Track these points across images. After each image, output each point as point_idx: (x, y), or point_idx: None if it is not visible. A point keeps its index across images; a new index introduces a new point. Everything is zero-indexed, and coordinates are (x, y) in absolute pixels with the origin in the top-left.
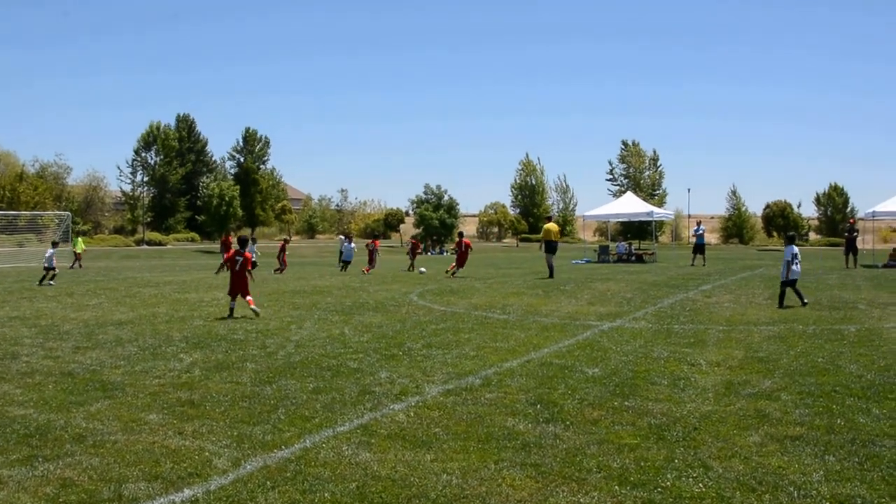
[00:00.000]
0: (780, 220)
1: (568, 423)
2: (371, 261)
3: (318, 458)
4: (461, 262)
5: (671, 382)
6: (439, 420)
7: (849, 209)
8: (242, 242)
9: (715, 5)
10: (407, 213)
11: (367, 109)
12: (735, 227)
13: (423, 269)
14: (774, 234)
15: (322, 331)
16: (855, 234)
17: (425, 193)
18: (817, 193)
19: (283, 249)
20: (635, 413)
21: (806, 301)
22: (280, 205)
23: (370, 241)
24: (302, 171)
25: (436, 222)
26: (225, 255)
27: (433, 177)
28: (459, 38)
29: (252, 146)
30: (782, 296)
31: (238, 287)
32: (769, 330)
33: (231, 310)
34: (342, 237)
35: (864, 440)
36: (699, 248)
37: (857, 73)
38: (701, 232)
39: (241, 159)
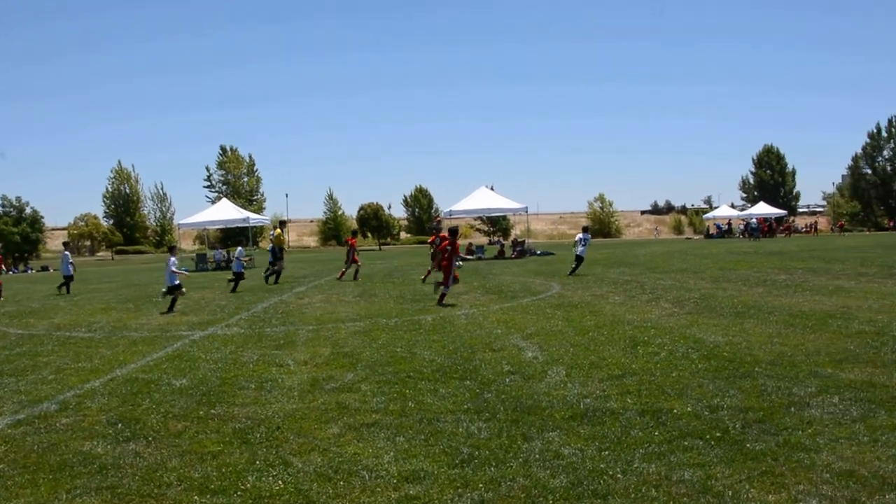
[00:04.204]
0: (375, 222)
1: (150, 438)
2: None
3: None
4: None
5: (258, 385)
6: (5, 455)
7: (434, 209)
8: None
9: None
10: None
11: None
12: (333, 229)
13: None
14: (369, 234)
15: None
16: (438, 229)
17: (3, 206)
18: (405, 195)
19: None
20: (221, 420)
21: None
22: None
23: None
24: None
25: (17, 237)
26: None
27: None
28: None
29: None
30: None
31: None
32: (356, 325)
33: None
34: None
35: (430, 419)
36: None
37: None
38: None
39: None
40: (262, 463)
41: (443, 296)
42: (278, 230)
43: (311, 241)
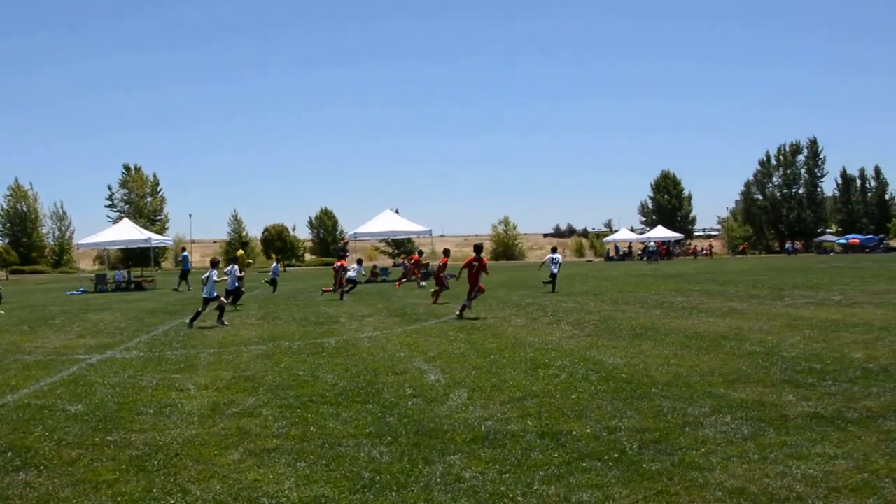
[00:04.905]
0: (279, 243)
1: (42, 467)
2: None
3: None
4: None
5: (157, 410)
6: None
7: (339, 231)
8: None
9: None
10: None
11: None
12: (237, 250)
13: None
14: (273, 255)
15: None
16: (344, 252)
17: None
18: (310, 217)
19: None
20: (117, 447)
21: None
22: None
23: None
24: None
25: None
26: None
27: None
28: None
29: None
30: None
31: None
32: (258, 349)
33: None
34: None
35: (332, 443)
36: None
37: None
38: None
39: None
40: (159, 491)
41: (463, 307)
42: (241, 251)
43: None
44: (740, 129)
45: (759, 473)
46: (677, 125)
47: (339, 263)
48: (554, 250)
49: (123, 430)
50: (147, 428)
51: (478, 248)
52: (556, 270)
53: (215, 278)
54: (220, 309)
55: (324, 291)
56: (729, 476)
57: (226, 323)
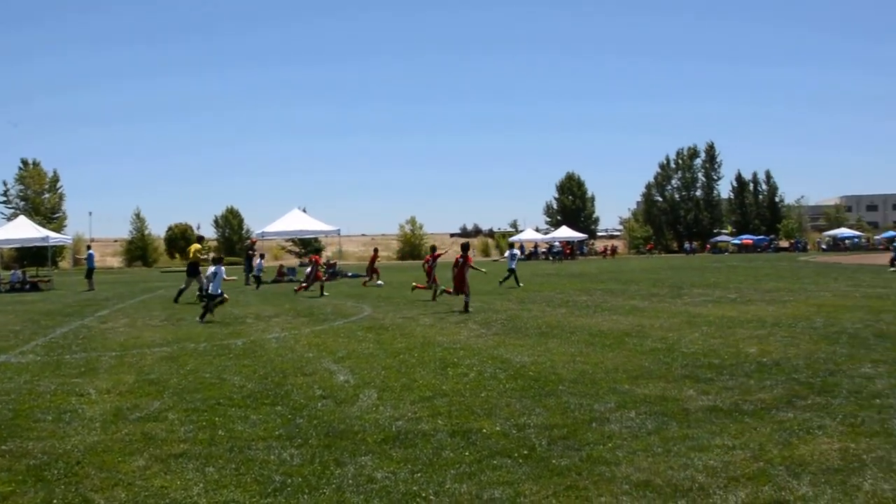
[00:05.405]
0: (183, 242)
1: None
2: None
3: None
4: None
5: (56, 417)
6: None
7: (244, 230)
8: None
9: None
10: None
11: None
12: (139, 249)
13: None
14: (177, 255)
15: None
16: (252, 252)
17: None
18: (216, 216)
19: None
20: (13, 456)
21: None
22: None
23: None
24: None
25: None
26: None
27: None
28: None
29: None
30: (508, 278)
31: None
32: (162, 351)
33: None
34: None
35: (241, 447)
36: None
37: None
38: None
39: None
40: (59, 502)
41: (466, 303)
42: (196, 245)
43: (115, 262)
44: (642, 132)
45: (663, 466)
46: (581, 125)
47: (314, 258)
48: (511, 246)
49: (20, 438)
50: (45, 435)
51: (465, 247)
52: (513, 265)
53: (224, 276)
54: (208, 308)
55: (296, 290)
56: (635, 469)
57: (205, 321)
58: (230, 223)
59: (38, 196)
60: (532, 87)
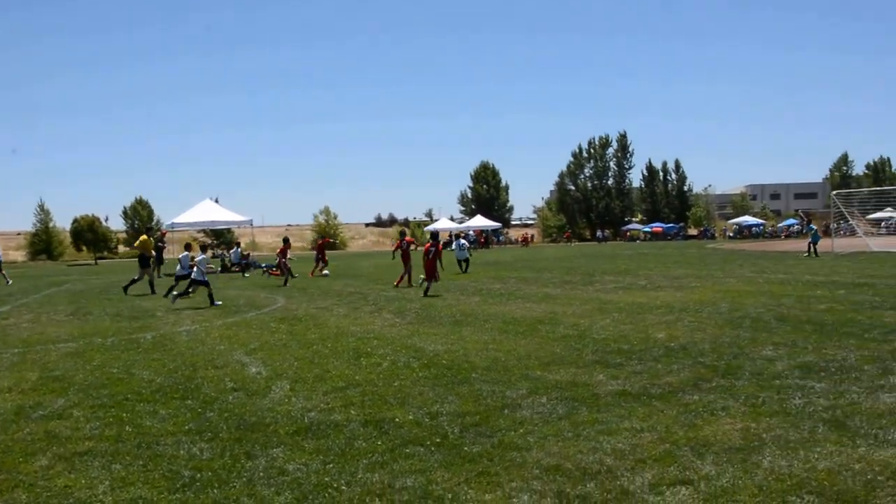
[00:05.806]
0: (90, 235)
1: None
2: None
3: None
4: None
5: None
6: None
7: (155, 221)
8: None
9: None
10: None
11: None
12: (43, 242)
13: None
14: (84, 248)
15: None
16: (163, 244)
17: None
18: (125, 207)
19: None
20: None
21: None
22: None
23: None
24: None
25: None
26: None
27: None
28: None
29: None
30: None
31: None
32: (67, 347)
33: None
34: None
35: (150, 442)
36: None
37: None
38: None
39: None
40: None
41: (428, 288)
42: (144, 236)
43: (19, 256)
44: (557, 120)
45: (573, 450)
46: (497, 112)
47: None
48: (458, 237)
49: None
50: None
51: (434, 236)
52: (467, 255)
53: (209, 263)
54: (184, 291)
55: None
56: (545, 454)
57: (174, 303)
58: (139, 214)
59: None
60: (446, 73)
